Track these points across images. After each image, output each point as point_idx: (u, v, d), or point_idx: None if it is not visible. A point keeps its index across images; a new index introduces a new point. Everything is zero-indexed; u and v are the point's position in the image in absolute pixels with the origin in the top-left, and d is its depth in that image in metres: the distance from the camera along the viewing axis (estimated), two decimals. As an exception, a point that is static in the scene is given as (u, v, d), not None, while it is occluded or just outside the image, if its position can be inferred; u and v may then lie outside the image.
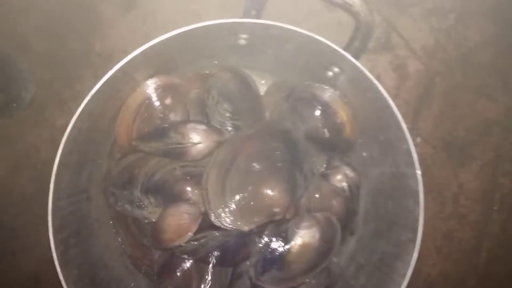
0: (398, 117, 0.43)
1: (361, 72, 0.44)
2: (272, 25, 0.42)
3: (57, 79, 0.62)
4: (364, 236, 0.55)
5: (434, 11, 0.69)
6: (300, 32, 0.42)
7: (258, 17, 0.45)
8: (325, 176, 0.55)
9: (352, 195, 0.55)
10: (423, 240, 0.46)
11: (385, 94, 0.43)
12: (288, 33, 0.43)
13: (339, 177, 0.55)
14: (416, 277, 0.69)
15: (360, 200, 0.55)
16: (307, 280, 0.51)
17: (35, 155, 0.62)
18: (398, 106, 0.44)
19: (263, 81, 0.55)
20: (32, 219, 0.61)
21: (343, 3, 0.42)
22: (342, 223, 0.52)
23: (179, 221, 0.44)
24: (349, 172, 0.55)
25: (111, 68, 0.57)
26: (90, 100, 0.41)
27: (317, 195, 0.53)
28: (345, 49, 0.45)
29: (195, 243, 0.45)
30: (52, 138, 0.62)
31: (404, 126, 0.43)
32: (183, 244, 0.44)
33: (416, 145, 0.44)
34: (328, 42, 0.42)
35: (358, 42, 0.44)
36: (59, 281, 0.61)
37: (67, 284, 0.41)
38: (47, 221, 0.43)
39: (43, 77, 0.62)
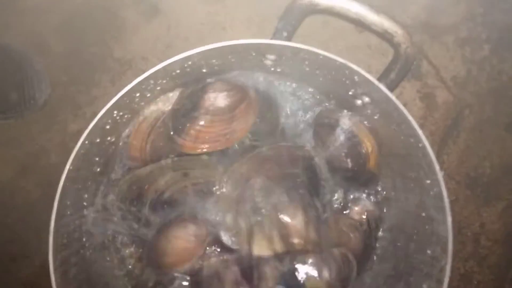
0: (431, 158, 0.40)
1: (394, 105, 0.41)
2: (303, 49, 0.39)
3: (73, 82, 0.60)
4: (380, 274, 0.52)
5: (468, 41, 0.66)
6: (333, 59, 0.40)
7: (288, 39, 0.43)
8: (344, 208, 0.52)
9: (370, 230, 0.52)
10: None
11: (420, 132, 0.40)
12: (319, 58, 0.41)
13: (358, 209, 0.52)
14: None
15: (379, 236, 0.52)
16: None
17: (44, 159, 0.60)
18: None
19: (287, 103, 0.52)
20: (35, 224, 0.59)
21: (383, 32, 0.39)
22: (358, 259, 0.49)
23: (184, 245, 0.42)
24: (369, 205, 0.53)
25: (128, 76, 0.56)
26: (105, 114, 0.38)
27: (335, 230, 0.50)
28: (379, 79, 0.42)
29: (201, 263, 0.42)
30: (63, 143, 0.60)
31: (437, 168, 0.40)
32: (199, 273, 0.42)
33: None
34: (363, 72, 0.39)
35: (395, 74, 0.41)
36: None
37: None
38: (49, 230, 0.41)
39: (59, 80, 0.60)
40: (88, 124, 0.39)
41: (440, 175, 0.40)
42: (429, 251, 0.43)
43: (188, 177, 0.49)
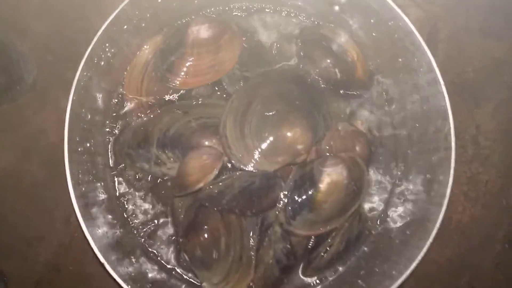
0: (413, 32, 0.42)
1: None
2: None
3: (59, 59, 0.61)
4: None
5: (429, -41, 0.69)
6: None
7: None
8: (344, 118, 0.53)
9: (373, 137, 0.54)
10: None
11: (396, 8, 0.42)
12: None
13: (358, 121, 0.54)
14: (447, 225, 0.66)
15: (383, 137, 0.53)
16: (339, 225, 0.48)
17: (43, 139, 0.60)
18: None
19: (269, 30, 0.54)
20: (45, 206, 0.59)
21: None
22: (366, 162, 0.51)
23: (202, 162, 0.43)
24: (368, 114, 0.54)
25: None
26: (97, 44, 0.40)
27: (338, 138, 0.51)
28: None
29: (221, 184, 0.43)
30: (59, 120, 0.59)
31: (421, 39, 0.42)
32: (210, 187, 0.42)
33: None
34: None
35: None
36: (79, 267, 0.59)
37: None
38: (62, 206, 0.40)
39: (45, 59, 0.61)
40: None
41: (424, 45, 0.41)
42: (432, 128, 0.45)
43: (188, 114, 0.50)
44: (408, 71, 0.46)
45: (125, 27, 0.43)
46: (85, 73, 0.40)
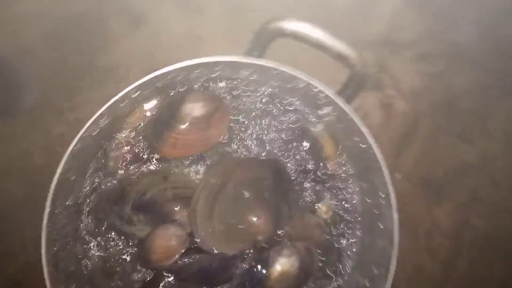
0: (380, 163, 0.46)
1: (350, 117, 0.47)
2: (271, 67, 0.45)
3: (57, 88, 0.64)
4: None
5: (425, 56, 0.73)
6: (298, 77, 0.45)
7: (260, 56, 0.48)
8: (310, 207, 0.57)
9: (333, 226, 0.58)
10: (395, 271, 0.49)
11: (372, 141, 0.46)
12: (286, 74, 0.46)
13: (322, 208, 0.58)
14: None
15: (340, 231, 0.58)
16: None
17: (27, 161, 0.63)
18: (382, 143, 0.47)
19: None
20: (19, 224, 0.62)
21: (338, 55, 0.45)
22: (321, 251, 0.55)
23: (167, 243, 0.46)
24: (332, 205, 0.58)
25: (111, 84, 0.60)
26: (90, 124, 0.43)
27: (299, 225, 0.56)
28: (338, 93, 0.48)
29: (181, 263, 0.47)
30: (46, 146, 0.63)
31: (385, 172, 0.46)
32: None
33: (396, 181, 0.47)
34: (324, 89, 0.45)
35: (351, 90, 0.47)
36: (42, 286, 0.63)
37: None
38: (35, 227, 0.44)
39: (44, 86, 0.63)
40: (71, 128, 0.43)
41: (387, 178, 0.46)
42: (380, 244, 0.50)
43: (167, 180, 0.53)
44: (373, 188, 0.50)
45: (121, 104, 0.46)
46: (75, 147, 0.43)
